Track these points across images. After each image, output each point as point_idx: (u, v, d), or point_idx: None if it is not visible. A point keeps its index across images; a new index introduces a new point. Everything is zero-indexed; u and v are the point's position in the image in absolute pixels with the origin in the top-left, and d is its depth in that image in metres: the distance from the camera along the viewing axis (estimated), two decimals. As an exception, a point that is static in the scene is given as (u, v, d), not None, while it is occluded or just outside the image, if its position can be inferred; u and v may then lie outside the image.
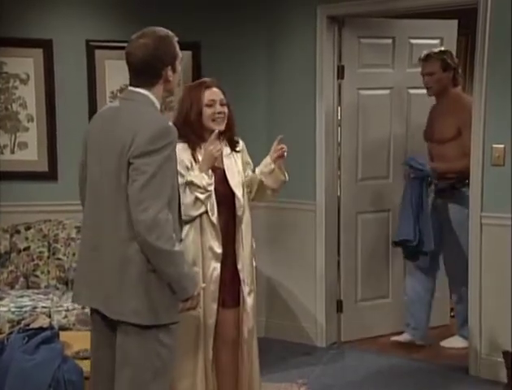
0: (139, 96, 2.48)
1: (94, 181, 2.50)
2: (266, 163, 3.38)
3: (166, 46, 2.48)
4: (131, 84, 2.51)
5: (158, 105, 2.51)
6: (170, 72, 2.49)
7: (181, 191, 3.02)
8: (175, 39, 2.52)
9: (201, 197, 3.14)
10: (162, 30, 2.51)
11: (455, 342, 4.61)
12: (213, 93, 3.22)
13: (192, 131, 3.21)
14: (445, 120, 4.38)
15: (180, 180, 3.08)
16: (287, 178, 3.38)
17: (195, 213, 3.15)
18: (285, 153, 3.33)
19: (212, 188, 3.17)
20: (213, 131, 3.18)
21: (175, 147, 2.42)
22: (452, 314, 5.06)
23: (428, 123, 4.55)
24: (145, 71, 2.47)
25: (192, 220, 3.15)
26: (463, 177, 4.30)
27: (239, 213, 3.26)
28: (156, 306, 2.41)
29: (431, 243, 4.33)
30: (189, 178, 3.13)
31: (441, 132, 4.40)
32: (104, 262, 2.44)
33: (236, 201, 3.25)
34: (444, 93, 4.44)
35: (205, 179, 3.13)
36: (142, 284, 2.39)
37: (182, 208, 3.00)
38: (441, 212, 4.48)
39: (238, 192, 3.27)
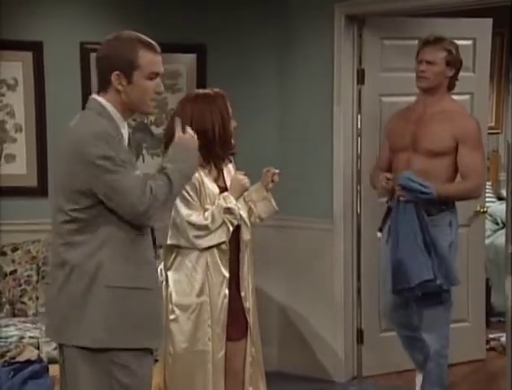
0: (92, 102, 2.45)
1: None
2: (258, 189, 3.35)
3: (120, 49, 2.37)
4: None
5: (114, 114, 2.40)
6: (123, 80, 2.37)
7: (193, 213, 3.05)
8: (145, 47, 2.39)
9: (231, 228, 3.13)
10: (131, 34, 2.43)
11: None
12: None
13: (214, 147, 3.13)
14: (437, 127, 3.83)
15: (190, 199, 3.07)
16: (277, 208, 3.40)
17: (216, 241, 3.13)
18: (276, 178, 3.35)
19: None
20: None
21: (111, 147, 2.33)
22: (488, 346, 4.96)
23: (402, 129, 3.97)
24: (98, 74, 2.44)
25: (205, 248, 3.13)
26: (440, 202, 3.82)
27: (246, 237, 3.25)
28: (112, 327, 2.35)
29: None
30: (229, 205, 3.11)
31: (432, 142, 3.83)
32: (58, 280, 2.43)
33: (242, 225, 3.24)
34: (436, 93, 3.87)
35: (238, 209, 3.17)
36: (95, 302, 2.34)
37: (197, 233, 3.00)
38: None
39: (244, 213, 3.25)
